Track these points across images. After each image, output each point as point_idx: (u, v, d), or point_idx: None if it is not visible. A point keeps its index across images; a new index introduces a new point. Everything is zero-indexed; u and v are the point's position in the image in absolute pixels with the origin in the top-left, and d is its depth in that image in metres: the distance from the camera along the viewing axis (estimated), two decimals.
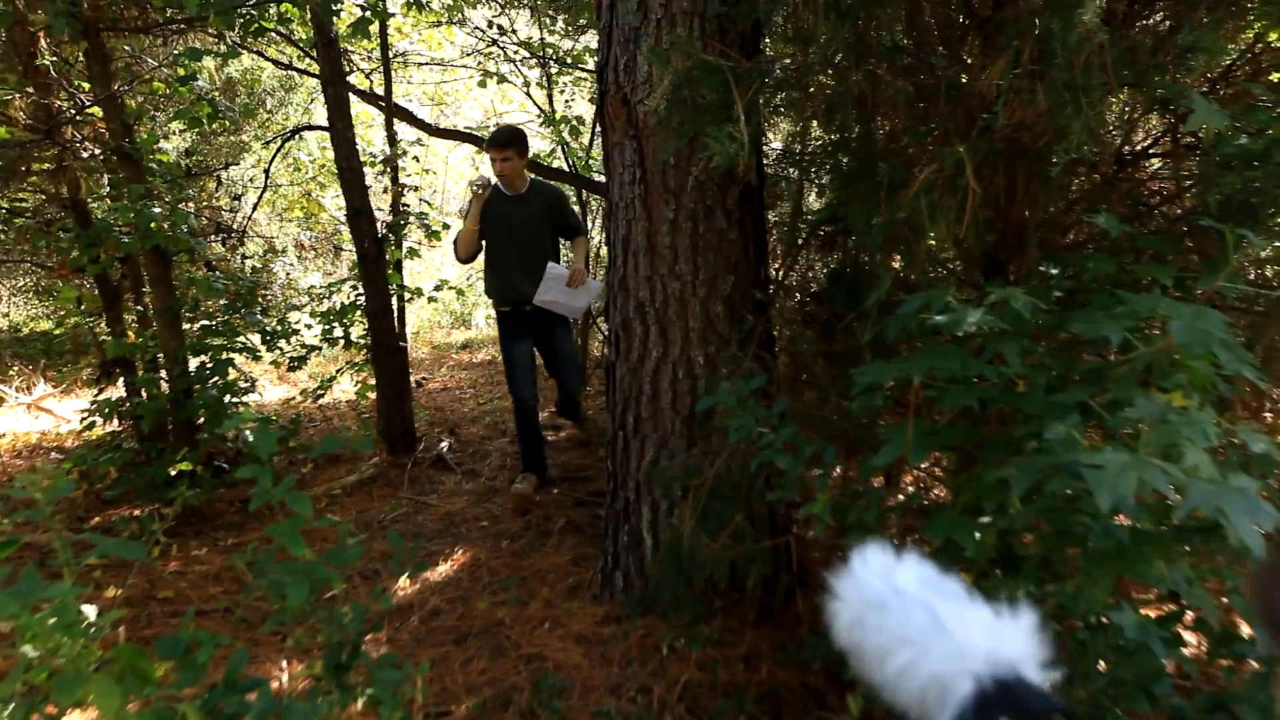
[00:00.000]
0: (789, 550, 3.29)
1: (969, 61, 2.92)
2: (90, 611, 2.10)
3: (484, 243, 5.06)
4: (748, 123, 2.52)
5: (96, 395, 4.96)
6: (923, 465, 3.31)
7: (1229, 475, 1.63)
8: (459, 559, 4.23)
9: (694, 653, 3.14)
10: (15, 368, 8.63)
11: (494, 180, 4.96)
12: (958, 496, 2.25)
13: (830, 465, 2.59)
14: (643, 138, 3.17)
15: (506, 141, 4.85)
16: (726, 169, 2.59)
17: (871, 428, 3.09)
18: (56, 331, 6.83)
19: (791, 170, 3.28)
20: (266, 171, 6.17)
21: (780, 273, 3.54)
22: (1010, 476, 1.77)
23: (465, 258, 5.09)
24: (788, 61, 2.77)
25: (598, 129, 6.61)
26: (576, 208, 8.52)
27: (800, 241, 3.32)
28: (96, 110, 4.65)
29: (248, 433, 4.73)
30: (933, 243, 2.88)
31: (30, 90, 4.67)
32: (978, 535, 2.12)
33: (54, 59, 4.83)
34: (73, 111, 4.67)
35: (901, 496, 3.18)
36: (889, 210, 2.54)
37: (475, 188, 4.90)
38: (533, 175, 5.27)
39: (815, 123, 3.03)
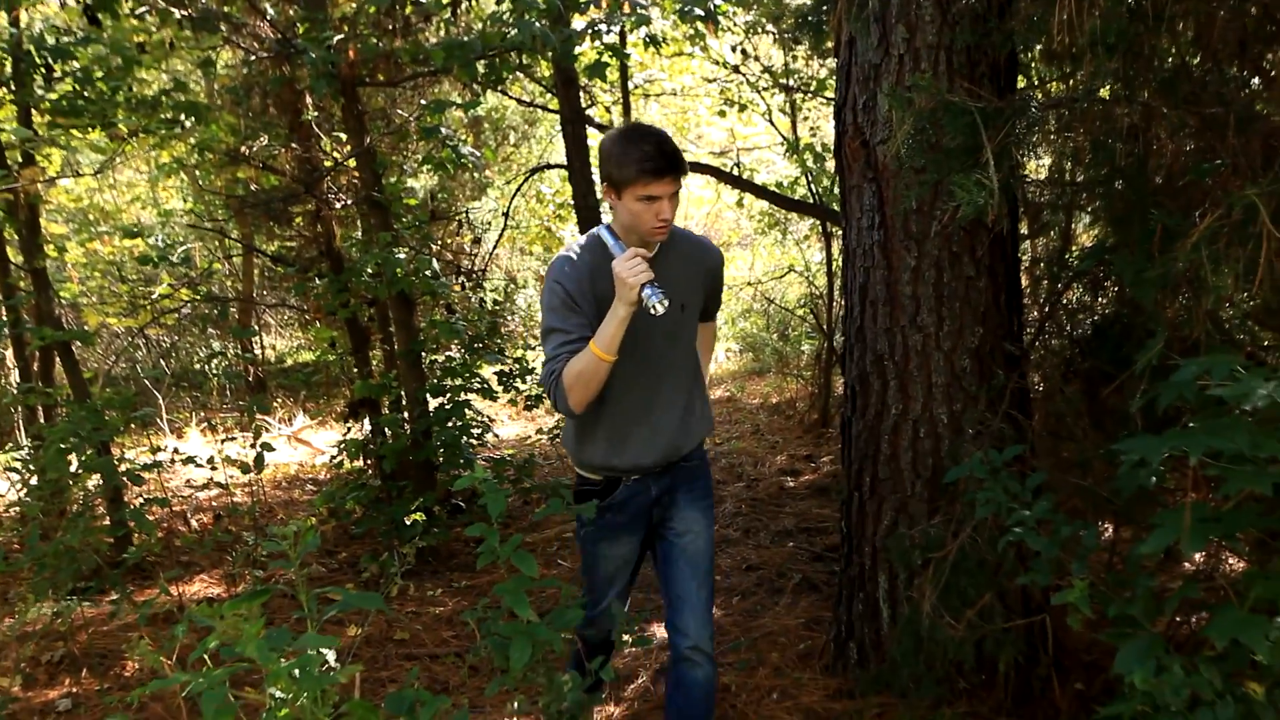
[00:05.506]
0: (1045, 632, 2.97)
1: (1269, 85, 2.56)
2: (330, 656, 2.15)
3: None
4: (998, 168, 2.28)
5: (345, 433, 5.20)
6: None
7: None
8: None
9: None
10: (279, 399, 9.28)
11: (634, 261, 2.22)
12: (1248, 590, 1.93)
13: (1091, 549, 2.29)
14: (882, 181, 2.96)
15: (678, 161, 2.30)
16: (975, 217, 2.36)
17: (1141, 504, 2.74)
18: (318, 360, 7.24)
19: (1053, 209, 2.98)
20: (506, 212, 6.32)
21: (1039, 322, 3.23)
22: None
23: (584, 405, 2.38)
24: (1044, 97, 2.50)
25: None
26: (820, 244, 7.14)
27: (1060, 286, 3.01)
28: (351, 162, 4.90)
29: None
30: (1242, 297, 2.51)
31: (294, 146, 4.99)
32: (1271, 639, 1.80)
33: (316, 114, 5.14)
34: (330, 165, 4.94)
35: (1179, 582, 2.80)
36: (1163, 262, 2.23)
37: (653, 302, 2.19)
38: None
39: (1074, 163, 2.73)
